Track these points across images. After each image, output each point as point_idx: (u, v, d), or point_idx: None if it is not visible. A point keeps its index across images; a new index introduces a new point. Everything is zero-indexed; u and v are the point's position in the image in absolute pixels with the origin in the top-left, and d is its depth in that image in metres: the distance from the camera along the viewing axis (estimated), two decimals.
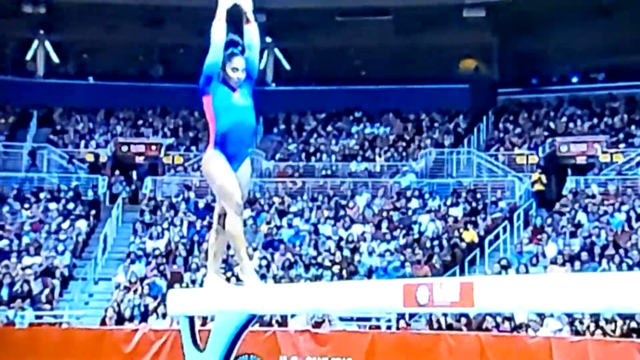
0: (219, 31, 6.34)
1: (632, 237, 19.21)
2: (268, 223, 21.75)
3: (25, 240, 20.97)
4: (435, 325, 16.11)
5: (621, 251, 18.60)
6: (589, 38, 25.68)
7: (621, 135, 24.41)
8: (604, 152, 23.78)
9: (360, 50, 27.59)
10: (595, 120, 25.37)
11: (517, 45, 26.89)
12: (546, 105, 26.72)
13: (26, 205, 22.59)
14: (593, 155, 23.84)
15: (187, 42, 27.56)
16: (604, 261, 18.22)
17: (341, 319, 16.33)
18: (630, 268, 17.35)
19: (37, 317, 18.31)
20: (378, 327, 16.64)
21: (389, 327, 16.67)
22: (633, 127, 24.64)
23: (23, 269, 19.68)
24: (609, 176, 22.77)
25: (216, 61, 6.27)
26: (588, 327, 15.13)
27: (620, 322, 14.93)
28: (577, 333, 15.00)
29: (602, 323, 15.05)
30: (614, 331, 14.93)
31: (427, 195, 23.01)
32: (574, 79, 27.78)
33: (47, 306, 18.92)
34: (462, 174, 24.30)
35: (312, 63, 28.59)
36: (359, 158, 25.33)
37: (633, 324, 14.91)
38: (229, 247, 6.53)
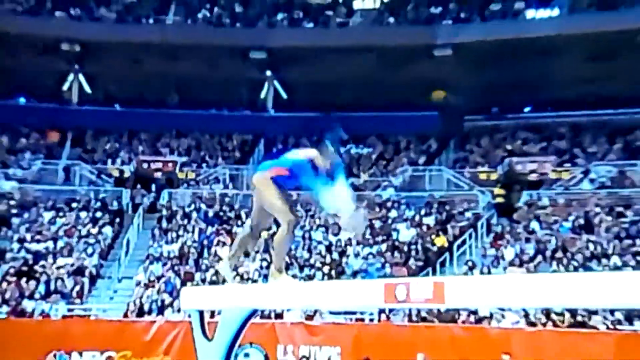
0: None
1: (577, 243, 19.20)
2: (268, 229, 21.64)
3: (60, 243, 20.82)
4: (413, 318, 16.04)
5: (568, 254, 18.56)
6: (540, 74, 25.72)
7: (567, 156, 24.45)
8: (553, 171, 23.84)
9: (348, 82, 27.52)
10: (545, 144, 25.39)
11: (479, 79, 26.87)
12: (504, 130, 26.70)
13: (60, 214, 22.46)
14: (544, 173, 23.86)
15: (199, 74, 27.52)
16: (554, 263, 18.18)
17: (331, 312, 16.23)
18: (575, 269, 17.31)
19: (69, 310, 18.17)
20: (362, 320, 16.54)
21: (371, 320, 16.57)
22: (576, 149, 24.67)
23: (57, 268, 19.55)
24: (557, 191, 22.79)
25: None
26: (541, 320, 15.09)
27: (568, 315, 14.89)
28: (531, 325, 14.95)
29: (553, 316, 15.01)
30: (562, 322, 14.89)
31: (404, 207, 22.95)
32: (527, 109, 27.82)
33: (78, 301, 18.78)
34: (433, 188, 24.25)
35: (306, 93, 28.51)
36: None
37: (579, 317, 14.87)
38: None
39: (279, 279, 6.73)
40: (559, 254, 18.57)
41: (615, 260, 17.88)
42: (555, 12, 26.56)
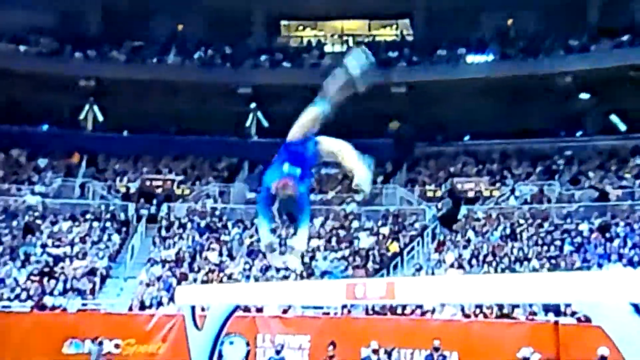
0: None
1: (504, 249, 19.36)
2: (251, 237, 21.64)
3: (76, 249, 20.66)
4: (369, 312, 16.09)
5: (497, 258, 18.72)
6: (477, 109, 26.06)
7: (497, 177, 24.68)
8: (486, 189, 23.99)
9: None
10: (480, 167, 25.60)
11: (427, 113, 27.10)
12: (447, 155, 26.90)
13: (76, 224, 22.28)
14: (479, 191, 24.04)
15: (194, 106, 27.46)
16: (486, 266, 18.32)
17: (302, 307, 16.26)
18: (503, 270, 17.47)
19: (83, 304, 18.03)
20: (328, 314, 16.56)
21: (335, 314, 16.60)
22: (505, 172, 24.92)
23: (74, 269, 19.40)
24: (489, 206, 22.98)
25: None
26: (475, 312, 15.22)
27: (496, 308, 15.04)
28: (466, 316, 15.08)
29: (484, 309, 15.15)
30: (491, 314, 15.04)
31: (364, 218, 23.01)
32: (466, 137, 28.06)
33: (90, 297, 18.65)
34: (389, 203, 24.34)
35: (284, 122, 28.22)
36: (316, 191, 25.32)
37: (505, 310, 15.04)
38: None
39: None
40: (490, 258, 18.73)
41: (535, 263, 18.08)
42: (490, 57, 26.93)
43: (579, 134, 26.32)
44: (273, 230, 5.98)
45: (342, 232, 21.83)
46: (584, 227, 19.91)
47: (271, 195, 5.73)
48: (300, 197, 5.64)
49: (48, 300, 17.74)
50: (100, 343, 14.99)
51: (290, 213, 5.76)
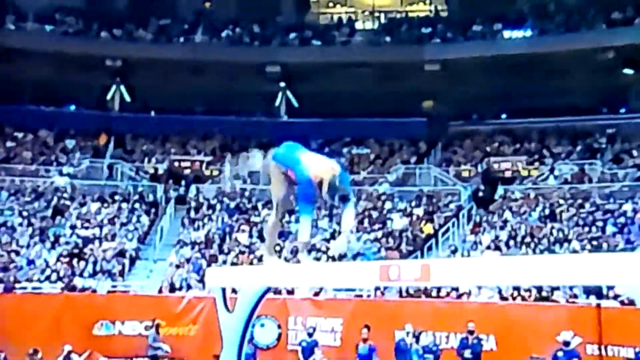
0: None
1: (543, 230, 19.24)
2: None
3: (105, 230, 20.96)
4: (403, 295, 16.12)
5: (535, 240, 18.61)
6: (513, 86, 25.77)
7: (536, 157, 24.45)
8: (523, 169, 23.82)
9: (349, 93, 27.56)
10: (518, 146, 25.38)
11: (462, 91, 26.89)
12: (483, 134, 26.71)
13: (105, 205, 22.58)
14: (516, 171, 23.87)
15: (222, 86, 27.60)
16: (524, 247, 18.24)
17: (334, 289, 16.33)
18: (541, 252, 17.37)
19: (113, 286, 18.30)
20: (361, 296, 16.63)
21: (368, 296, 16.66)
22: (544, 151, 24.68)
23: (103, 251, 19.70)
24: (527, 186, 22.81)
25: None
26: (512, 294, 15.15)
27: (534, 291, 14.96)
28: (503, 299, 15.02)
29: (522, 292, 15.08)
30: (530, 297, 14.96)
31: (397, 199, 22.99)
32: (503, 115, 27.81)
33: (120, 279, 18.93)
34: (422, 183, 24.27)
35: (314, 102, 28.56)
36: (348, 172, 25.30)
37: (543, 293, 14.95)
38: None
39: (266, 260, 6.68)
40: (528, 239, 18.63)
41: (575, 244, 17.93)
42: (528, 33, 26.55)
43: (622, 110, 25.88)
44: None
45: (374, 213, 21.84)
46: (627, 207, 19.67)
47: (314, 185, 5.75)
48: (341, 175, 5.70)
49: (78, 282, 18.06)
50: (157, 326, 15.04)
51: (341, 194, 5.81)
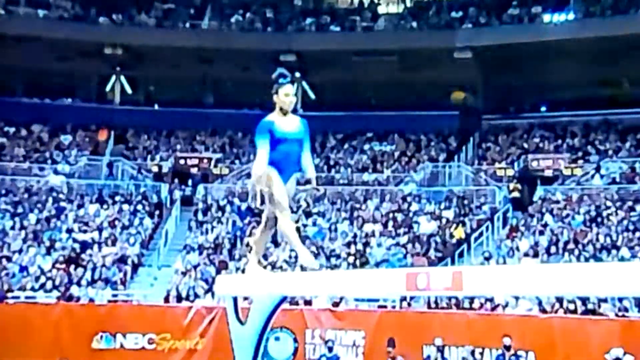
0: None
1: (588, 235, 19.08)
2: (296, 222, 21.74)
3: (104, 234, 21.09)
4: (431, 305, 16.06)
5: (580, 246, 18.46)
6: (554, 75, 25.59)
7: (579, 154, 24.25)
8: (566, 167, 23.62)
9: (371, 84, 27.57)
10: (559, 141, 25.21)
11: (497, 81, 26.80)
12: (520, 129, 26.56)
13: (105, 206, 22.73)
14: (557, 169, 23.69)
15: (233, 75, 27.69)
16: (566, 254, 18.10)
17: (355, 299, 16.30)
18: (587, 260, 17.24)
19: (113, 295, 18.42)
20: (385, 307, 16.59)
21: (393, 307, 16.62)
22: (589, 147, 24.48)
23: (102, 257, 19.82)
24: (570, 186, 22.64)
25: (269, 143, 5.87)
26: (553, 306, 15.04)
27: (579, 303, 14.84)
28: (544, 312, 14.92)
29: (564, 304, 14.96)
30: (575, 311, 14.84)
31: (424, 200, 22.93)
32: (543, 108, 27.65)
33: (121, 287, 19.03)
34: (453, 183, 24.21)
35: (332, 93, 28.60)
36: (370, 170, 25.31)
37: (589, 305, 14.82)
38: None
39: (249, 267, 6.58)
40: (571, 246, 18.49)
41: (624, 252, 17.77)
42: (571, 16, 26.35)
43: None
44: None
45: (399, 216, 21.80)
46: None
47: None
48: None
49: (75, 291, 18.18)
50: None
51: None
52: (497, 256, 18.67)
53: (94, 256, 19.80)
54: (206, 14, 28.71)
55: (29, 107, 27.30)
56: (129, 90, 28.59)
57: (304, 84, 28.41)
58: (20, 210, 22.03)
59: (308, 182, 6.21)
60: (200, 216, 22.49)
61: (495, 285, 4.87)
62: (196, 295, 17.94)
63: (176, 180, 24.68)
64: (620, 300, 14.46)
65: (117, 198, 23.25)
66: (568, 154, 24.26)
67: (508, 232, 20.47)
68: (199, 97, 28.57)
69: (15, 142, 26.09)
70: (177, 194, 23.98)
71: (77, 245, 20.28)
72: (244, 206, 22.80)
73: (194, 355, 15.57)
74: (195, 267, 19.34)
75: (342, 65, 26.82)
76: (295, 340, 15.15)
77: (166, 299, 17.77)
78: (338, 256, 19.48)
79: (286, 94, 6.03)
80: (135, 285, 19.60)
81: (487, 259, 18.40)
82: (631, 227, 19.12)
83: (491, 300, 15.36)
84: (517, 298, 15.03)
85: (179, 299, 17.74)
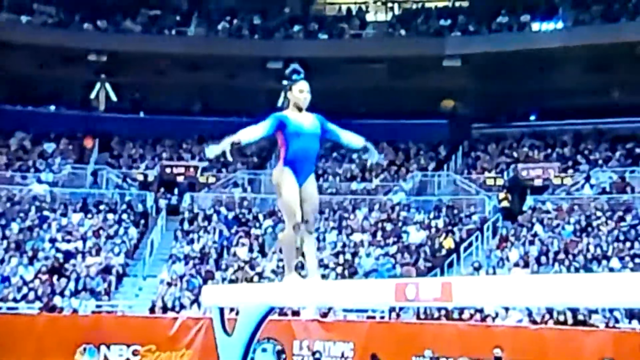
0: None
1: (578, 245, 19.15)
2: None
3: (88, 243, 21.00)
4: (420, 316, 16.06)
5: (570, 256, 18.52)
6: (544, 84, 25.73)
7: (570, 163, 24.36)
8: (556, 176, 23.70)
9: (361, 91, 27.60)
10: (549, 150, 25.31)
11: (486, 89, 26.89)
12: (510, 138, 26.65)
13: (89, 215, 22.63)
14: (547, 179, 23.76)
15: (220, 83, 27.66)
16: (557, 264, 18.15)
17: (344, 310, 16.29)
18: (577, 270, 17.29)
19: (97, 306, 18.35)
20: (374, 317, 16.58)
21: (382, 317, 16.61)
22: (579, 156, 24.60)
23: (86, 267, 19.73)
24: (560, 195, 22.72)
25: (271, 131, 5.67)
26: (544, 317, 15.08)
27: (569, 314, 14.88)
28: (534, 322, 14.96)
29: (555, 314, 15.01)
30: (565, 322, 14.89)
31: (413, 210, 22.96)
32: (532, 117, 27.76)
33: (106, 297, 18.96)
34: (442, 192, 24.26)
35: (321, 101, 28.43)
36: (359, 179, 25.33)
37: (580, 316, 14.87)
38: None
39: (286, 278, 6.50)
40: (561, 256, 18.55)
41: (614, 262, 17.84)
42: (560, 24, 26.53)
43: None
44: None
45: (388, 226, 21.82)
46: None
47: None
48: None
49: (58, 301, 18.09)
50: None
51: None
52: (487, 266, 18.71)
53: (78, 266, 19.71)
54: (193, 20, 28.73)
55: (12, 114, 27.17)
56: (114, 97, 28.52)
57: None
58: (2, 220, 21.90)
59: (365, 151, 6.02)
60: (186, 225, 22.43)
61: (485, 295, 4.90)
62: (182, 306, 17.88)
63: (162, 189, 24.61)
64: (611, 311, 14.52)
65: (102, 207, 23.16)
66: (558, 163, 24.36)
67: (498, 242, 20.51)
68: (185, 104, 28.52)
69: None
70: (163, 203, 23.90)
71: (60, 255, 20.19)
72: (230, 215, 22.77)
73: None
74: (181, 277, 19.28)
75: (330, 73, 26.83)
76: (282, 351, 15.12)
77: (151, 310, 17.70)
78: (326, 266, 19.45)
79: (300, 90, 5.86)
80: (120, 295, 19.51)
81: (477, 269, 18.44)
82: (621, 238, 19.19)
83: (481, 311, 15.38)
84: (507, 309, 15.06)
85: (165, 309, 17.68)
